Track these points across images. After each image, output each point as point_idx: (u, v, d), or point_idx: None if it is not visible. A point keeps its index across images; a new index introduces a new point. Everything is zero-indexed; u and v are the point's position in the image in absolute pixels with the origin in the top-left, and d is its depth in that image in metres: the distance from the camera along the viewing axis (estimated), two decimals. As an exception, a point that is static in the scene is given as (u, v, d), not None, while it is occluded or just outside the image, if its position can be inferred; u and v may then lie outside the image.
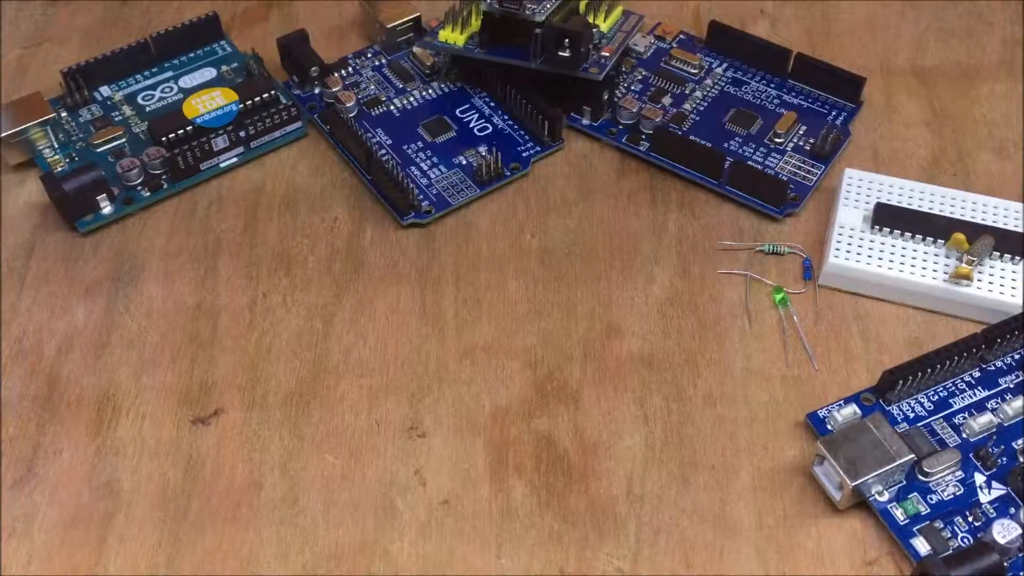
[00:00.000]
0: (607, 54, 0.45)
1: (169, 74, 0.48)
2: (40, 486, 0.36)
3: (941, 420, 0.37)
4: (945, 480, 0.35)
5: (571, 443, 0.37)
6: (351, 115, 0.46)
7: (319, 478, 0.36)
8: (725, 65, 0.48)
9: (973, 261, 0.40)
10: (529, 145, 0.45)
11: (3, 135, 0.44)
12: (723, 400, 0.38)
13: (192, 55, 0.48)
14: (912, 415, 0.37)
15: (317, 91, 0.47)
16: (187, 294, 0.41)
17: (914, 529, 0.34)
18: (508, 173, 0.44)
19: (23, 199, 0.44)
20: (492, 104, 0.47)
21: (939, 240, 0.40)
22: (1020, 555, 0.33)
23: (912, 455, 0.34)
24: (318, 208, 0.44)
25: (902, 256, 0.40)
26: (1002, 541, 0.33)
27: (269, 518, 0.35)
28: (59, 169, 0.44)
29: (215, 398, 0.38)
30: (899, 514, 0.34)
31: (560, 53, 0.44)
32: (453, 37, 0.46)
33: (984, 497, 0.35)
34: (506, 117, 0.46)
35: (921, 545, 0.34)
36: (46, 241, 0.43)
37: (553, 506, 0.35)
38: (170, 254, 0.42)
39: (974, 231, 0.40)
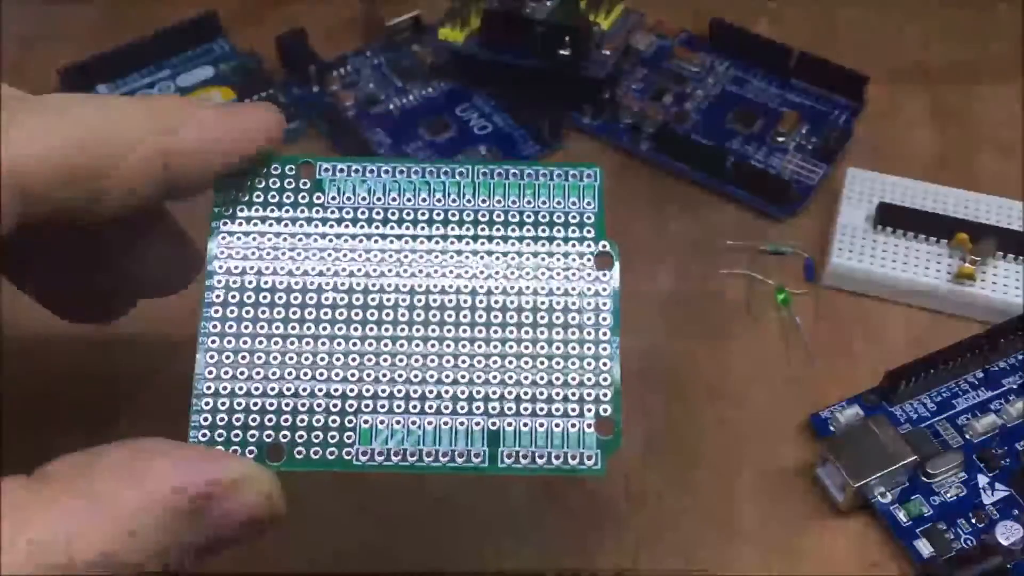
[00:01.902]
0: (608, 52, 0.45)
1: (167, 72, 0.48)
2: (36, 487, 0.36)
3: (944, 421, 0.36)
4: (948, 482, 0.35)
5: (571, 444, 0.37)
6: (350, 114, 0.46)
7: (320, 478, 0.36)
8: (727, 64, 0.48)
9: (977, 261, 0.39)
10: (529, 145, 0.45)
11: (0, 134, 0.44)
12: (724, 400, 0.38)
13: (190, 53, 0.48)
14: (915, 416, 0.36)
15: (316, 90, 0.47)
16: (188, 293, 0.41)
17: (917, 531, 0.34)
18: (508, 172, 0.44)
19: (20, 198, 0.44)
20: (492, 104, 0.47)
21: (943, 240, 0.40)
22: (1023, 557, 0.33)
23: (915, 456, 0.34)
24: (317, 207, 0.43)
25: (905, 256, 0.40)
26: (1006, 543, 0.33)
27: (266, 519, 0.35)
28: (57, 168, 0.44)
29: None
30: (902, 516, 0.34)
31: (561, 51, 0.43)
32: (453, 35, 0.46)
33: (987, 499, 0.34)
34: (506, 117, 0.46)
35: (924, 547, 0.33)
36: (43, 240, 0.42)
37: (553, 506, 0.35)
38: (168, 253, 0.42)
39: (978, 231, 0.40)
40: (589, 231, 0.27)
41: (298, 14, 0.51)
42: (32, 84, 0.47)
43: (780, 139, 0.45)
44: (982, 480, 0.35)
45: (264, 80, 0.46)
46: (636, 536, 0.34)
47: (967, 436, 0.36)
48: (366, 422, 0.26)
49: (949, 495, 0.35)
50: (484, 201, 0.27)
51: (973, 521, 0.34)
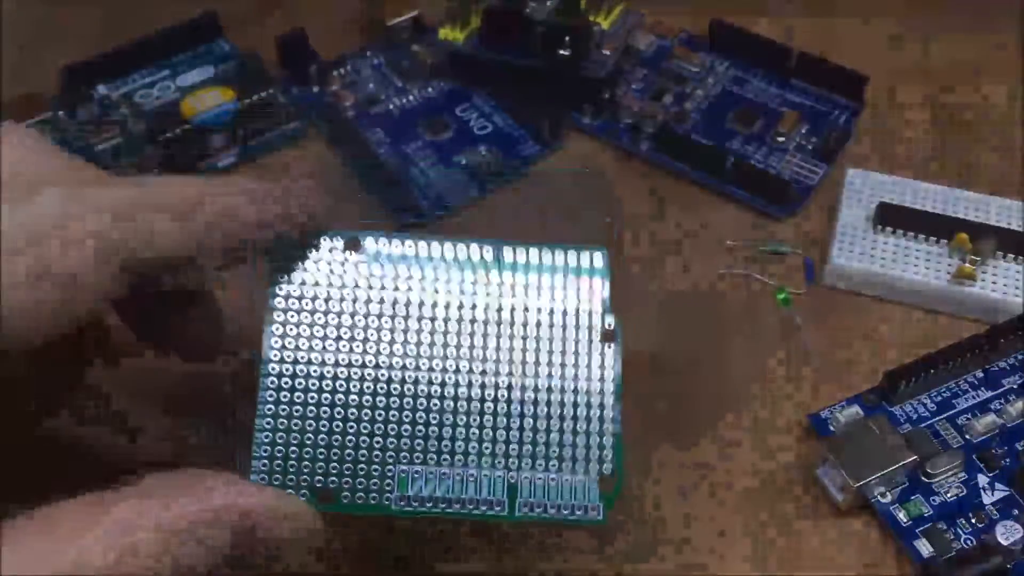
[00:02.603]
0: (608, 52, 0.45)
1: (167, 72, 0.48)
2: (36, 487, 0.36)
3: (944, 421, 0.36)
4: (948, 481, 0.35)
5: (571, 444, 0.37)
6: (350, 114, 0.46)
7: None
8: (727, 64, 0.48)
9: (976, 261, 0.39)
10: (529, 145, 0.45)
11: (1, 134, 0.44)
12: (724, 401, 0.38)
13: (190, 53, 0.48)
14: (915, 416, 0.36)
15: (316, 90, 0.47)
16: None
17: (917, 531, 0.34)
18: (508, 173, 0.44)
19: (20, 198, 0.44)
20: (492, 104, 0.47)
21: (942, 240, 0.40)
22: (1023, 557, 0.33)
23: (915, 456, 0.34)
24: (317, 207, 0.43)
25: (905, 256, 0.40)
26: (1005, 543, 0.33)
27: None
28: (57, 168, 0.44)
29: (213, 398, 0.38)
30: (902, 516, 0.34)
31: (561, 51, 0.43)
32: (453, 35, 0.46)
33: (987, 499, 0.34)
34: (506, 117, 0.46)
35: (924, 547, 0.33)
36: (43, 240, 0.42)
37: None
38: (168, 253, 0.42)
39: (978, 231, 0.40)
40: (597, 307, 0.31)
41: (298, 14, 0.51)
42: (33, 84, 0.47)
43: (780, 139, 0.45)
44: (982, 480, 0.35)
45: (264, 80, 0.46)
46: (636, 536, 0.34)
47: (967, 436, 0.36)
48: (403, 472, 0.30)
49: (949, 495, 0.35)
50: (508, 277, 0.31)
51: (973, 521, 0.34)
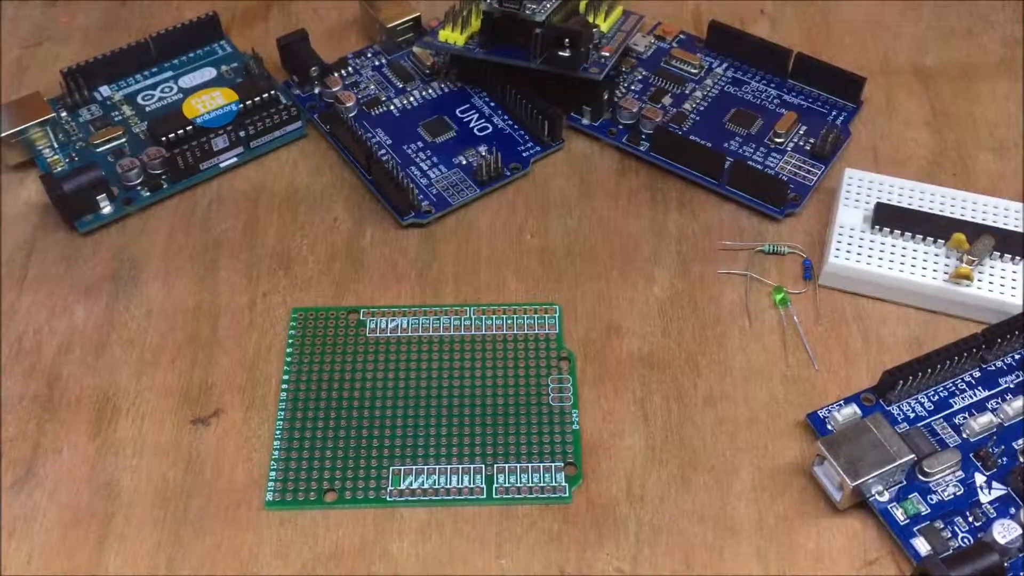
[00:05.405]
0: (607, 54, 0.45)
1: (169, 74, 0.48)
2: (40, 486, 0.36)
3: (941, 420, 0.37)
4: (945, 480, 0.35)
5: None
6: (351, 115, 0.46)
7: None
8: (725, 65, 0.48)
9: (973, 261, 0.40)
10: (529, 145, 0.45)
11: (3, 135, 0.44)
12: (723, 400, 0.38)
13: (192, 55, 0.48)
14: (912, 415, 0.37)
15: (317, 91, 0.47)
16: (187, 294, 0.41)
17: (914, 529, 0.34)
18: (508, 173, 0.44)
19: (23, 199, 0.44)
20: (492, 104, 0.47)
21: (939, 240, 0.40)
22: (1020, 555, 0.33)
23: (912, 455, 0.34)
24: (318, 208, 0.44)
25: (902, 256, 0.40)
26: (1002, 541, 0.33)
27: (269, 518, 0.35)
28: (59, 169, 0.44)
29: (215, 398, 0.38)
30: (899, 514, 0.34)
31: (560, 53, 0.44)
32: (453, 37, 0.46)
33: (984, 497, 0.35)
34: (506, 117, 0.46)
35: (921, 545, 0.34)
36: (46, 241, 0.43)
37: (554, 507, 0.35)
38: (170, 254, 0.42)
39: (974, 231, 0.40)
40: (553, 345, 0.39)
41: (299, 15, 0.51)
42: (34, 85, 0.48)
43: (778, 140, 0.45)
44: (979, 479, 0.35)
45: (266, 81, 0.47)
46: (636, 536, 0.35)
47: (964, 435, 0.36)
48: (396, 471, 0.36)
49: (946, 494, 0.35)
50: (477, 328, 0.39)
51: (970, 519, 0.34)
